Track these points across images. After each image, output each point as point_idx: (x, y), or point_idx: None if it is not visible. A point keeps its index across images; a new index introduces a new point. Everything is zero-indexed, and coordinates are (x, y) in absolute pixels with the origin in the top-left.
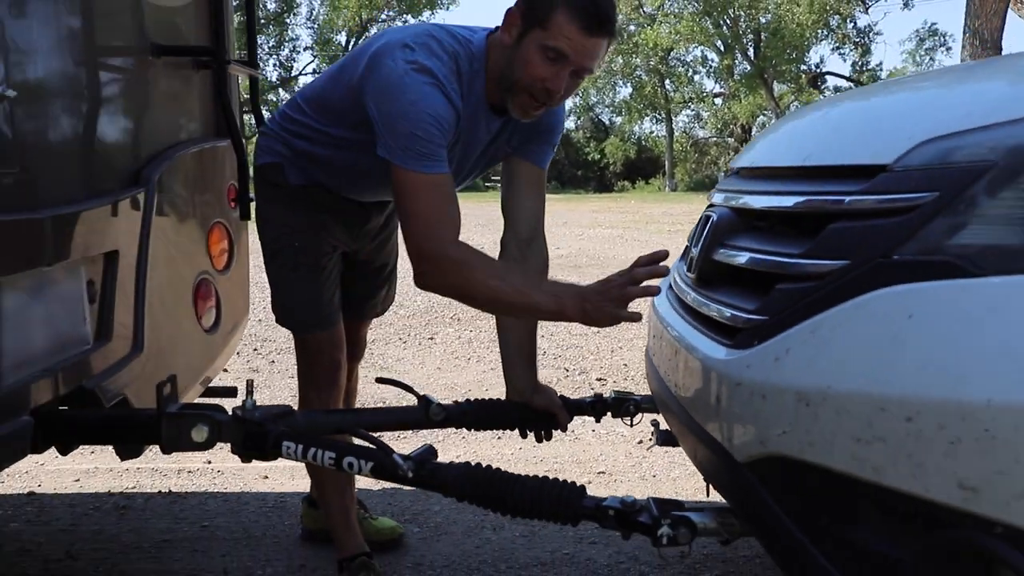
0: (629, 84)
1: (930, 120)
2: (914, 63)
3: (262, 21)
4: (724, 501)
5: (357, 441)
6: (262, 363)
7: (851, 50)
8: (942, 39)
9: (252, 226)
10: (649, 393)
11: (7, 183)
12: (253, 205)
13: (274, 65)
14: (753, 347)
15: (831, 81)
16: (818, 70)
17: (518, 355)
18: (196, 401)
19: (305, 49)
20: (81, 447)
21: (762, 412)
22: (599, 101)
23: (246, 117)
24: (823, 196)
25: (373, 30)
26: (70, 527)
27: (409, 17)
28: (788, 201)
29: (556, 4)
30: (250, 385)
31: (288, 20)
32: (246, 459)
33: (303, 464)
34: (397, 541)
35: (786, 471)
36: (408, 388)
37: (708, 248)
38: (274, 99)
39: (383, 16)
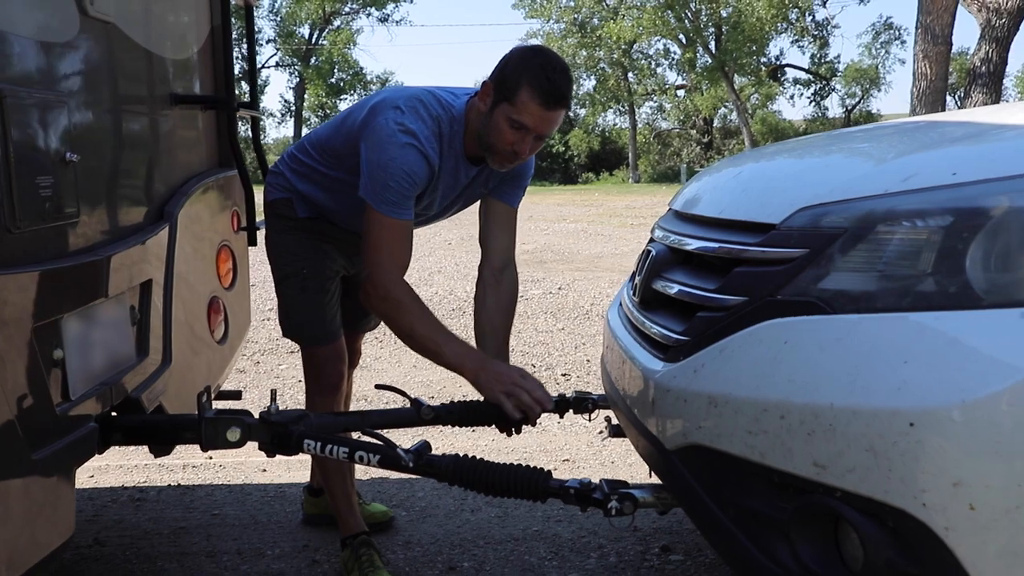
0: (593, 77)
1: (807, 190)
2: (870, 56)
3: None
4: (660, 481)
5: (361, 436)
6: (247, 364)
7: (810, 43)
8: (897, 33)
9: (251, 247)
10: (603, 393)
11: (73, 231)
12: (262, 233)
13: (237, 57)
14: (679, 361)
15: (791, 73)
16: (778, 63)
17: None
18: (226, 406)
19: (268, 42)
20: None
21: (684, 412)
22: None
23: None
24: (732, 244)
25: (336, 23)
26: (93, 517)
27: (373, 10)
28: (708, 245)
29: (521, 84)
30: (273, 393)
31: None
32: (271, 454)
33: (297, 458)
34: (388, 524)
35: (702, 456)
36: (402, 393)
37: (648, 278)
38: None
39: (346, 8)
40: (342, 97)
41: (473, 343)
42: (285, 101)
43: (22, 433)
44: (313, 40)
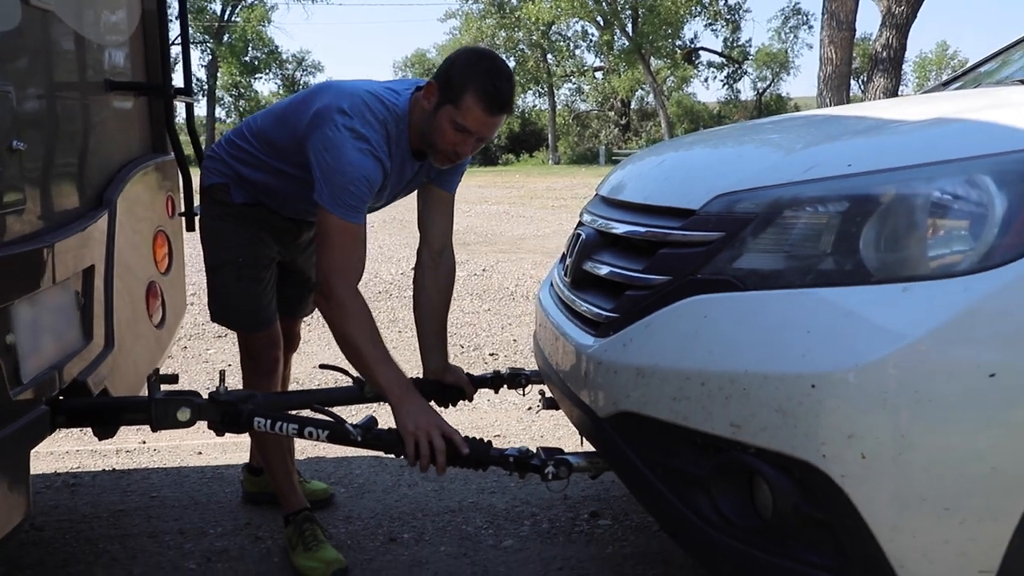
0: (512, 58)
1: (723, 179)
2: (780, 40)
3: None
4: (592, 448)
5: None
6: (175, 350)
7: (723, 27)
8: (805, 18)
9: (184, 231)
10: (536, 368)
11: (20, 219)
12: (197, 219)
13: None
14: (609, 336)
15: (705, 56)
16: (692, 46)
17: (433, 342)
18: (174, 388)
19: (176, 18)
20: None
21: (615, 382)
22: None
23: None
24: (656, 228)
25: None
26: None
27: None
28: (634, 229)
29: (466, 88)
30: (222, 374)
31: None
32: (220, 433)
33: (232, 441)
34: (328, 500)
35: (631, 422)
36: (346, 372)
37: (578, 259)
38: None
39: None
40: (256, 76)
41: (413, 325)
42: (198, 80)
43: None
44: (225, 17)
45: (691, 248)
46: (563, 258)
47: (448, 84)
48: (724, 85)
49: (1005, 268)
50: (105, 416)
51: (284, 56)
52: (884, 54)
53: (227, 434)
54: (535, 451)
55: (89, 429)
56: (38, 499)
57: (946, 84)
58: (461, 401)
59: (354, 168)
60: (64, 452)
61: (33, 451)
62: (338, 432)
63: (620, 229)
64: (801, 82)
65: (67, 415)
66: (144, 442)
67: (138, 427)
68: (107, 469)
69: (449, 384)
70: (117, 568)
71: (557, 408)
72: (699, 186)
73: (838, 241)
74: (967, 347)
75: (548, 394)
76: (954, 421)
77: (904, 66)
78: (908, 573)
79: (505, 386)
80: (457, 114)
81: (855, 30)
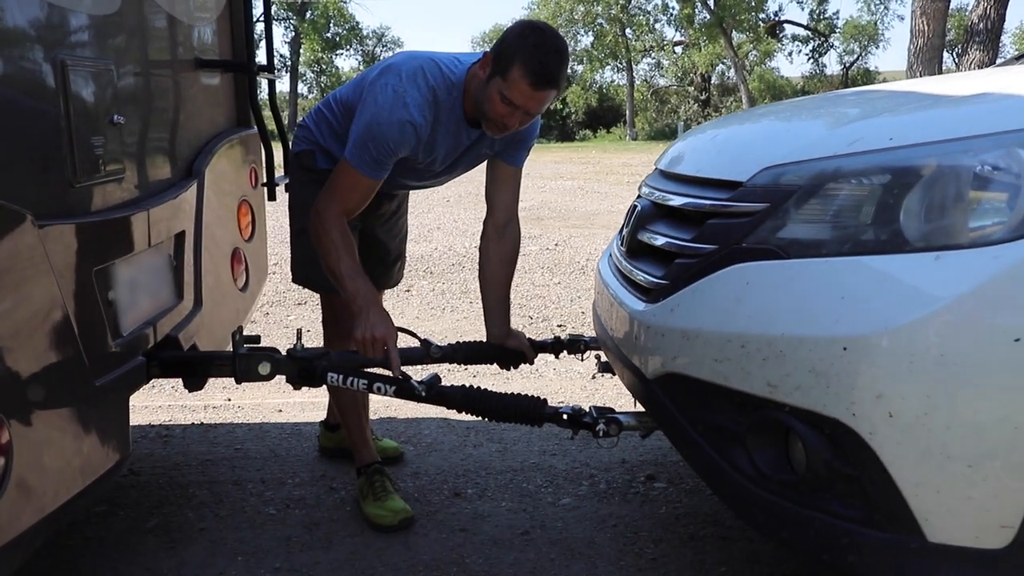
0: (590, 33)
1: (770, 152)
2: (869, 12)
3: None
4: (642, 408)
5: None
6: (257, 315)
7: None
8: None
9: (270, 201)
10: (595, 335)
11: (120, 186)
12: (284, 186)
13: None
14: (659, 302)
15: (789, 30)
16: (776, 19)
17: (496, 308)
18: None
19: None
20: None
21: (663, 345)
22: None
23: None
24: (706, 199)
25: None
26: None
27: None
28: (686, 200)
29: (514, 61)
30: (299, 332)
31: None
32: (297, 387)
33: (310, 400)
34: (399, 458)
35: (676, 383)
36: (413, 334)
37: (634, 229)
38: None
39: None
40: (338, 52)
41: (479, 296)
42: (281, 56)
43: (88, 364)
44: None
45: (737, 218)
46: (621, 229)
47: (499, 56)
48: (809, 59)
49: None
50: (194, 368)
51: (364, 32)
52: (981, 25)
53: (304, 392)
54: (588, 409)
55: (180, 383)
56: (134, 448)
57: (1019, 58)
58: (524, 365)
59: (379, 129)
60: (157, 406)
61: (130, 402)
62: (404, 388)
63: (674, 201)
64: (891, 55)
65: (160, 366)
66: (229, 399)
67: (223, 384)
68: (195, 423)
69: (511, 348)
70: (205, 511)
71: (612, 372)
72: (747, 159)
73: (878, 212)
74: (993, 313)
75: (604, 358)
76: (978, 383)
77: (1003, 37)
78: (931, 527)
79: (565, 351)
80: (504, 87)
81: (950, 0)
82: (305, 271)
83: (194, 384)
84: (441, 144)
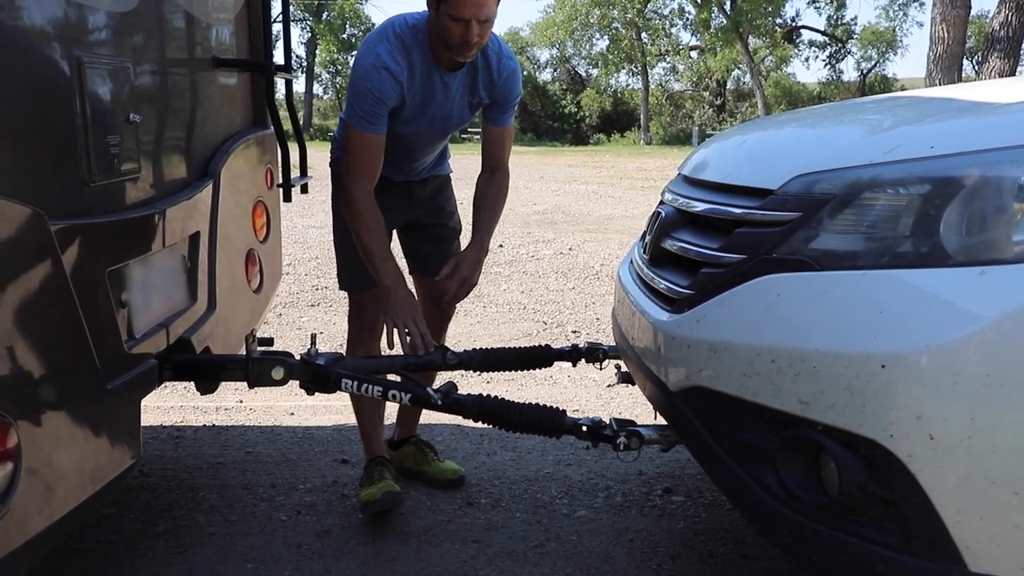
0: (606, 36)
1: (802, 160)
2: (887, 18)
3: None
4: (664, 421)
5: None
6: (270, 316)
7: (826, 4)
8: None
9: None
10: (614, 344)
11: (135, 186)
12: (295, 190)
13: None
14: (684, 312)
15: (806, 35)
16: (793, 24)
17: (475, 226)
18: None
19: None
20: None
21: (688, 357)
22: (575, 53)
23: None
24: (734, 207)
25: None
26: None
27: None
28: (713, 208)
29: None
30: (313, 337)
31: None
32: (311, 392)
33: (322, 404)
34: (459, 481)
35: (702, 397)
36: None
37: (657, 237)
38: None
39: None
40: (353, 53)
41: (497, 300)
42: (297, 57)
43: (99, 365)
44: None
45: (768, 228)
46: (643, 236)
47: None
48: (826, 65)
49: None
50: (207, 371)
51: None
52: (1002, 32)
53: (317, 396)
54: (608, 421)
55: (192, 385)
56: (145, 449)
57: None
58: (539, 371)
59: (362, 81)
60: (169, 407)
61: (142, 404)
62: (419, 396)
63: (699, 208)
64: (909, 62)
65: (173, 369)
66: (241, 401)
67: (236, 387)
68: (207, 425)
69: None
70: (216, 515)
71: (632, 383)
72: (778, 166)
73: (917, 223)
74: None
75: (624, 368)
76: None
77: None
78: (974, 556)
79: (583, 360)
80: (448, 8)
81: (970, 7)
82: (349, 270)
83: (207, 387)
84: (421, 86)
